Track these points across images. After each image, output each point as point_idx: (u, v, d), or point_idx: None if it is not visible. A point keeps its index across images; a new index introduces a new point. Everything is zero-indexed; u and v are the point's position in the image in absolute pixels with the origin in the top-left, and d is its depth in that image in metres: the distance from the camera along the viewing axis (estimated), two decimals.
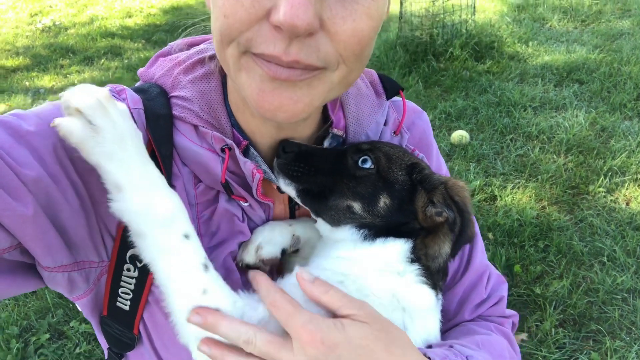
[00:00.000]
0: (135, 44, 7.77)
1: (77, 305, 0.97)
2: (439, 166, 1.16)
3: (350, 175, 0.94)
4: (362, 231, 0.94)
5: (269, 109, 0.78)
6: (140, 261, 0.87)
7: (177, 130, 0.91)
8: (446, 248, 0.94)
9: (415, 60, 5.71)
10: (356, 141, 1.01)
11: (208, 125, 0.90)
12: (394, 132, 1.06)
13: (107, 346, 0.99)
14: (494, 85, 5.27)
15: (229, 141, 0.89)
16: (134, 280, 0.90)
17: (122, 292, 0.91)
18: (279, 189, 0.95)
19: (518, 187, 3.87)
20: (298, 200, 0.96)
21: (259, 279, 0.84)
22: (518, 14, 7.10)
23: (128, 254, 0.89)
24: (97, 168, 0.76)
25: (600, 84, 5.13)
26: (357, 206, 0.93)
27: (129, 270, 0.90)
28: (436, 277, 0.96)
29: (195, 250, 0.81)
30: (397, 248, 0.92)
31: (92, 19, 8.98)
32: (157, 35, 8.04)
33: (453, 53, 5.67)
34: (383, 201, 0.93)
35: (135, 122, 0.88)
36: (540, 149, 4.28)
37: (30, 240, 0.75)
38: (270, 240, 0.97)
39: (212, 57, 0.95)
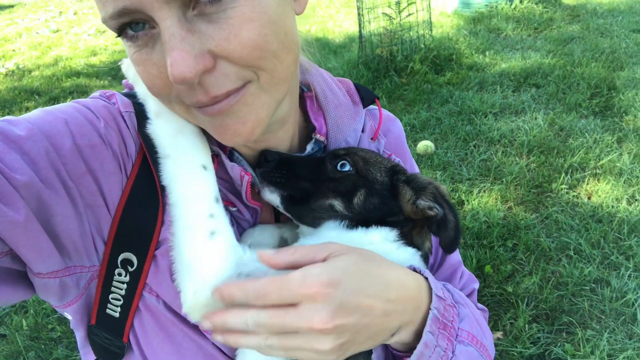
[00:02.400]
0: (102, 82, 7.77)
1: (65, 314, 0.96)
2: (412, 169, 1.20)
3: (330, 178, 0.98)
4: (343, 222, 0.96)
5: (227, 139, 0.84)
6: (132, 265, 0.89)
7: None
8: (428, 243, 1.00)
9: (377, 77, 5.85)
10: (334, 148, 1.04)
11: None
12: (372, 138, 1.10)
13: (94, 358, 0.97)
14: (455, 95, 5.42)
15: (215, 148, 0.92)
16: (124, 286, 0.90)
17: (112, 298, 0.90)
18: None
19: (484, 191, 3.96)
20: (281, 208, 0.97)
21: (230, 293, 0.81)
22: (474, 27, 7.34)
23: (120, 258, 0.89)
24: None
25: (556, 87, 5.32)
26: (337, 204, 0.96)
27: (120, 275, 0.89)
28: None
29: (209, 181, 0.89)
30: (382, 233, 0.95)
31: (57, 60, 8.96)
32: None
33: (414, 68, 5.82)
34: (361, 196, 0.96)
35: (127, 125, 0.91)
36: (502, 152, 4.40)
37: (21, 246, 0.74)
38: (260, 242, 0.98)
39: None
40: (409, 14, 6.06)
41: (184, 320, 0.91)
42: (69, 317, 0.95)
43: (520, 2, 7.65)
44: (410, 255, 0.96)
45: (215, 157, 0.91)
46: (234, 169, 0.91)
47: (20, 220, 0.73)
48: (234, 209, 0.96)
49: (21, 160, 0.77)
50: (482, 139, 4.62)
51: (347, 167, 0.98)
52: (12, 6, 13.85)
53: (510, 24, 7.22)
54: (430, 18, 6.38)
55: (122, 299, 0.90)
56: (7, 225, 0.72)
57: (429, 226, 0.99)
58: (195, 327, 0.92)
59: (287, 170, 0.97)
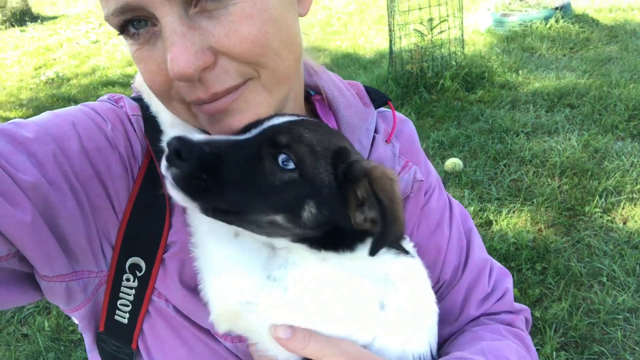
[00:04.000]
0: None
1: (73, 317, 0.95)
2: (428, 172, 1.16)
3: (268, 184, 0.78)
4: (302, 244, 0.83)
5: (229, 133, 0.83)
6: (140, 270, 0.88)
7: None
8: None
9: (407, 93, 5.81)
10: (274, 128, 0.81)
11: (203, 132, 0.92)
12: (386, 141, 1.07)
13: None
14: (486, 113, 5.32)
15: None
16: (133, 291, 0.89)
17: (120, 305, 0.89)
18: None
19: (513, 212, 3.85)
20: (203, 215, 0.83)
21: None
22: (507, 45, 7.24)
23: (128, 263, 0.88)
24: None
25: (591, 107, 5.17)
26: (280, 219, 0.78)
27: (128, 280, 0.88)
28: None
29: None
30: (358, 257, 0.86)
31: (94, 69, 9.25)
32: None
33: (444, 84, 5.76)
34: (309, 210, 0.78)
35: (133, 129, 0.92)
36: (534, 172, 4.28)
37: (28, 247, 0.74)
38: None
39: None
40: (441, 31, 6.02)
41: (195, 323, 0.89)
42: (76, 321, 0.95)
43: (556, 21, 7.51)
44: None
45: None
46: None
47: (27, 221, 0.73)
48: None
49: (28, 162, 0.76)
50: (512, 158, 4.51)
51: (291, 165, 0.78)
52: (55, 17, 14.42)
53: (545, 43, 7.08)
54: (462, 35, 6.32)
55: (130, 305, 0.89)
56: (15, 226, 0.72)
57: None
58: (207, 331, 0.90)
59: (209, 175, 0.74)
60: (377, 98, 1.11)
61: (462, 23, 6.28)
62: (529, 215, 3.79)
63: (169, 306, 0.89)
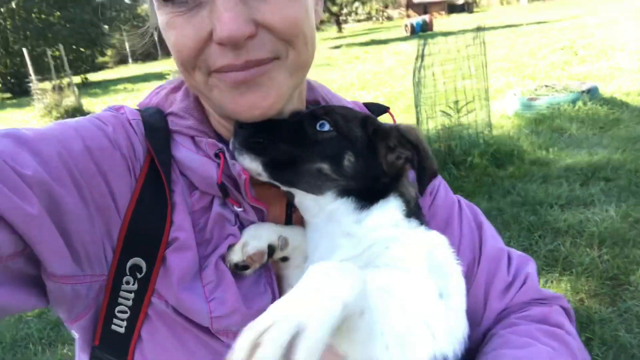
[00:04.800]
0: None
1: (73, 331, 0.94)
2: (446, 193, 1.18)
3: (312, 141, 0.95)
4: (348, 199, 0.95)
5: (244, 110, 0.88)
6: (141, 271, 0.88)
7: (174, 142, 0.96)
8: (413, 190, 1.01)
9: None
10: (311, 108, 1.02)
11: (202, 135, 0.97)
12: None
13: None
14: (517, 187, 5.26)
15: (221, 145, 0.94)
16: (132, 295, 0.89)
17: (118, 311, 0.89)
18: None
19: (552, 281, 3.65)
20: (264, 176, 0.94)
21: None
22: (536, 127, 7.30)
23: (129, 264, 0.88)
24: None
25: (628, 180, 5.05)
26: (326, 167, 0.93)
27: (127, 283, 0.88)
28: (422, 217, 1.02)
29: None
30: (393, 210, 0.96)
31: None
32: None
33: (473, 161, 5.78)
34: (348, 159, 0.94)
35: (135, 132, 0.95)
36: (571, 243, 4.10)
37: (37, 242, 0.75)
38: (255, 236, 0.96)
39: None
40: (468, 112, 6.17)
41: (194, 323, 0.89)
42: (76, 334, 0.94)
43: (584, 104, 7.59)
44: (441, 240, 0.97)
45: (221, 155, 0.93)
46: (235, 167, 0.92)
47: (35, 214, 0.74)
48: (240, 209, 0.96)
49: (32, 159, 0.79)
50: (547, 229, 4.36)
51: (327, 127, 0.96)
52: None
53: (574, 124, 7.11)
54: (489, 118, 6.45)
55: (128, 312, 0.89)
56: (24, 218, 0.73)
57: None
58: (207, 331, 0.89)
59: (265, 135, 0.93)
60: (375, 108, 1.17)
61: (489, 108, 6.43)
62: (568, 285, 3.58)
63: (168, 307, 0.89)
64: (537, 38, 17.59)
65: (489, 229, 1.15)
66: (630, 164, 5.39)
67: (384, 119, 1.11)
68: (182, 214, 0.91)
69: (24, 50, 16.66)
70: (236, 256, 0.93)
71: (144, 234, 0.89)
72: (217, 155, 0.93)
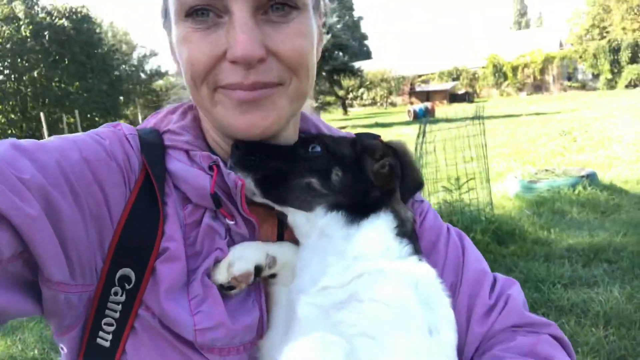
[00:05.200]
0: None
1: (60, 345, 0.93)
2: (422, 198, 1.21)
3: (303, 158, 1.01)
4: (338, 213, 0.96)
5: (243, 128, 0.94)
6: (130, 282, 0.89)
7: (169, 156, 1.00)
8: (408, 212, 1.02)
9: None
10: (304, 136, 1.10)
11: (197, 149, 1.00)
12: None
13: None
14: (520, 265, 5.21)
15: (215, 157, 0.98)
16: (119, 307, 0.89)
17: (105, 324, 0.89)
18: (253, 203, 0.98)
19: None
20: (258, 195, 0.98)
21: None
22: (537, 209, 7.36)
23: (118, 275, 0.89)
24: None
25: (631, 262, 5.01)
26: (314, 182, 0.97)
27: (116, 294, 0.88)
28: (417, 244, 1.02)
29: None
30: (384, 226, 0.97)
31: None
32: None
33: (475, 237, 5.76)
34: (336, 174, 0.98)
35: (131, 146, 0.98)
36: (576, 322, 4.00)
37: (37, 244, 0.76)
38: (242, 256, 0.96)
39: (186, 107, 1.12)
40: (469, 190, 6.25)
41: (180, 338, 0.89)
42: (64, 349, 0.94)
43: (584, 188, 7.70)
44: (431, 275, 0.96)
45: (215, 167, 0.96)
46: (230, 176, 0.94)
47: (35, 215, 0.75)
48: (232, 222, 0.97)
49: (31, 165, 0.80)
50: (551, 307, 4.27)
51: (318, 149, 1.02)
52: None
53: (575, 207, 7.17)
54: (491, 198, 6.53)
55: (115, 324, 0.89)
56: (25, 219, 0.74)
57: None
58: (192, 346, 0.89)
59: (259, 154, 0.98)
60: (365, 137, 1.19)
61: (489, 188, 6.53)
62: None
63: (155, 319, 0.89)
64: (536, 127, 18.15)
65: (472, 252, 1.14)
66: (633, 246, 5.38)
67: None
68: (174, 225, 0.93)
69: (41, 114, 17.21)
70: (221, 277, 0.94)
71: (135, 243, 0.90)
72: (210, 168, 0.96)
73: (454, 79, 44.89)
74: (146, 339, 0.89)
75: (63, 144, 0.89)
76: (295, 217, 1.00)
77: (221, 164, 0.96)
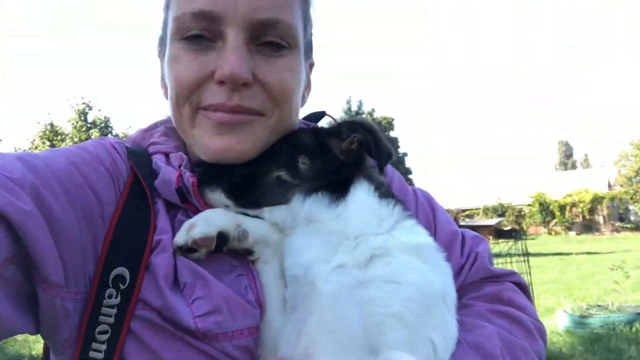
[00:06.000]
0: None
1: None
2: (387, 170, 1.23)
3: (265, 155, 1.00)
4: (317, 196, 0.96)
5: (219, 151, 0.96)
6: (124, 282, 0.87)
7: (153, 162, 1.03)
8: (379, 175, 1.06)
9: None
10: None
11: (175, 151, 1.04)
12: None
13: None
14: None
15: (185, 156, 1.02)
16: (114, 310, 0.86)
17: (98, 332, 0.85)
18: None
19: None
20: (232, 206, 0.97)
21: None
22: (590, 346, 6.79)
23: (112, 275, 0.87)
24: None
25: None
26: (283, 174, 0.97)
27: (110, 297, 0.86)
28: (398, 200, 1.05)
29: None
30: (365, 194, 0.99)
31: None
32: None
33: None
34: (302, 162, 0.99)
35: (118, 153, 1.01)
36: None
37: (33, 240, 0.74)
38: (207, 219, 0.93)
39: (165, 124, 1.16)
40: None
41: (181, 328, 0.86)
42: None
43: None
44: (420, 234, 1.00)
45: (180, 165, 0.99)
46: (186, 175, 0.97)
47: (29, 209, 0.75)
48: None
49: (21, 166, 0.81)
50: None
51: (277, 144, 1.02)
52: None
53: (633, 346, 6.57)
54: None
55: (109, 330, 0.85)
56: (20, 214, 0.73)
57: (367, 154, 1.03)
58: (194, 336, 0.86)
59: (221, 166, 0.97)
60: (311, 116, 1.29)
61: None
62: None
63: (154, 313, 0.87)
64: (588, 265, 17.33)
65: (442, 214, 1.17)
66: None
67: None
68: (164, 219, 0.95)
69: None
70: (180, 238, 0.91)
71: (129, 240, 0.89)
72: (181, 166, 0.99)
73: (499, 215, 44.50)
74: (146, 337, 0.86)
75: (50, 153, 0.92)
76: (274, 214, 0.97)
77: (185, 160, 1.00)
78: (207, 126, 0.96)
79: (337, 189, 0.98)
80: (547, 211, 42.19)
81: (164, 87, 1.06)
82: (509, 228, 41.46)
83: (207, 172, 0.97)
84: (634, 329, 7.11)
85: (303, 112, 1.20)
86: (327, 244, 0.94)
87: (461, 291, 1.09)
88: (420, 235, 0.99)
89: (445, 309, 0.91)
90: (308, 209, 0.96)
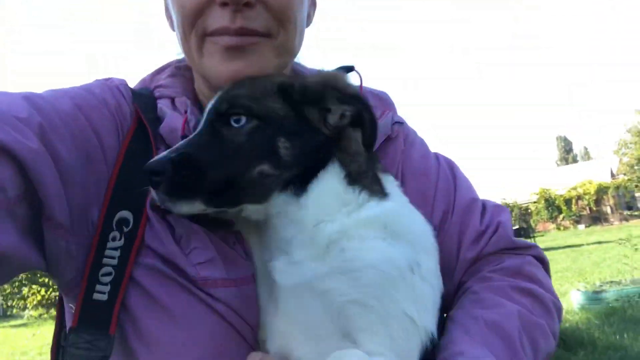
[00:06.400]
0: None
1: (70, 304, 0.92)
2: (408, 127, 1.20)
3: (238, 145, 0.86)
4: (289, 188, 0.88)
5: (227, 76, 0.95)
6: (128, 224, 0.88)
7: (158, 106, 1.02)
8: (359, 145, 0.94)
9: None
10: (209, 108, 0.94)
11: (181, 96, 1.04)
12: None
13: None
14: None
15: (188, 101, 1.02)
16: (117, 253, 0.87)
17: (102, 274, 0.86)
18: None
19: None
20: (211, 209, 0.87)
21: None
22: (606, 319, 6.77)
23: (116, 218, 0.88)
24: None
25: None
26: (266, 168, 0.85)
27: (114, 239, 0.87)
28: (372, 184, 0.93)
29: None
30: (332, 182, 0.89)
31: None
32: None
33: None
34: (283, 147, 0.86)
35: (123, 95, 1.00)
36: None
37: (41, 178, 0.75)
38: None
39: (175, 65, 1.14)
40: None
41: (182, 273, 0.87)
42: (73, 309, 0.91)
43: None
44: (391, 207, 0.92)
45: (185, 112, 0.98)
46: (190, 123, 0.97)
47: (36, 148, 0.76)
48: None
49: (28, 106, 0.81)
50: None
51: (243, 120, 0.87)
52: None
53: None
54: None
55: (113, 272, 0.86)
56: (28, 152, 0.74)
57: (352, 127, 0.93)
58: (194, 283, 0.87)
59: (187, 170, 0.82)
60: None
61: None
62: None
63: (156, 258, 0.88)
64: (599, 253, 17.24)
65: (464, 180, 1.16)
66: None
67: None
68: None
69: None
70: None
71: (132, 184, 0.89)
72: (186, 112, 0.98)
73: None
74: (148, 286, 0.87)
75: (55, 94, 0.91)
76: (251, 212, 0.90)
77: (188, 104, 1.00)
78: (216, 54, 0.95)
79: (308, 174, 0.89)
80: (553, 207, 42.01)
81: (169, 17, 1.06)
82: (516, 227, 41.28)
83: (175, 182, 0.82)
84: None
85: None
86: (289, 237, 0.88)
87: (480, 261, 1.07)
88: (381, 205, 0.90)
89: (416, 278, 0.85)
90: (280, 204, 0.88)
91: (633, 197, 41.72)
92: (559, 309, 1.02)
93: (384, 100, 1.22)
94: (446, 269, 1.00)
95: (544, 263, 1.08)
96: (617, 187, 40.55)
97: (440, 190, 1.13)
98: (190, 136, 0.90)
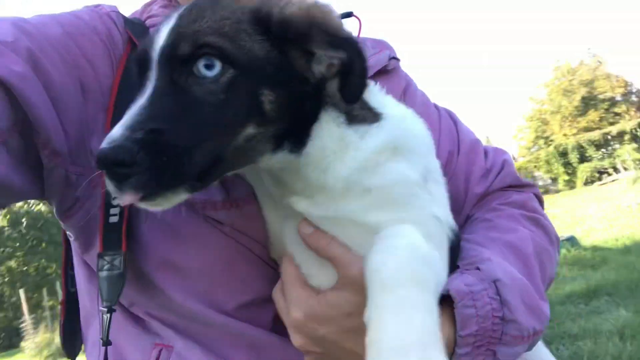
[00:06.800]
0: None
1: (69, 232, 0.93)
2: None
3: (216, 104, 0.66)
4: (282, 144, 0.75)
5: None
6: None
7: (150, 33, 0.90)
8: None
9: None
10: (165, 46, 0.70)
11: None
12: None
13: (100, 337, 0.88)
14: None
15: None
16: None
17: (113, 197, 0.80)
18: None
19: None
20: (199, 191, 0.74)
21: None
22: None
23: None
24: None
25: (630, 291, 5.06)
26: (252, 129, 0.69)
27: None
28: (363, 109, 0.84)
29: None
30: (332, 128, 0.80)
31: None
32: None
33: None
34: (267, 101, 0.69)
35: (114, 22, 0.96)
36: (592, 342, 3.94)
37: (31, 103, 0.72)
38: None
39: None
40: None
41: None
42: (72, 236, 0.93)
43: (568, 250, 7.83)
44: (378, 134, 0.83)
45: None
46: None
47: (24, 72, 0.72)
48: None
49: (15, 30, 0.76)
50: (563, 336, 4.22)
51: (216, 66, 0.66)
52: None
53: (564, 268, 7.26)
54: None
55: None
56: (17, 78, 0.70)
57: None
58: (193, 206, 0.88)
59: (166, 152, 0.62)
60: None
61: None
62: None
63: None
64: None
65: (463, 125, 1.20)
66: (627, 281, 5.47)
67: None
68: None
69: (22, 298, 16.68)
70: None
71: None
72: None
73: None
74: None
75: (43, 19, 0.87)
76: (242, 172, 0.86)
77: None
78: None
79: (302, 126, 0.77)
80: None
81: None
82: None
83: (153, 172, 0.62)
84: (562, 255, 7.83)
85: None
86: (300, 189, 0.82)
87: (488, 196, 1.11)
88: (381, 130, 0.82)
89: (430, 183, 0.88)
90: (276, 162, 0.78)
91: (533, 177, 45.33)
92: (559, 241, 1.09)
93: (383, 43, 1.23)
94: (455, 205, 1.01)
95: (540, 200, 1.16)
96: (519, 169, 43.68)
97: (443, 132, 1.15)
98: (144, 96, 0.67)
